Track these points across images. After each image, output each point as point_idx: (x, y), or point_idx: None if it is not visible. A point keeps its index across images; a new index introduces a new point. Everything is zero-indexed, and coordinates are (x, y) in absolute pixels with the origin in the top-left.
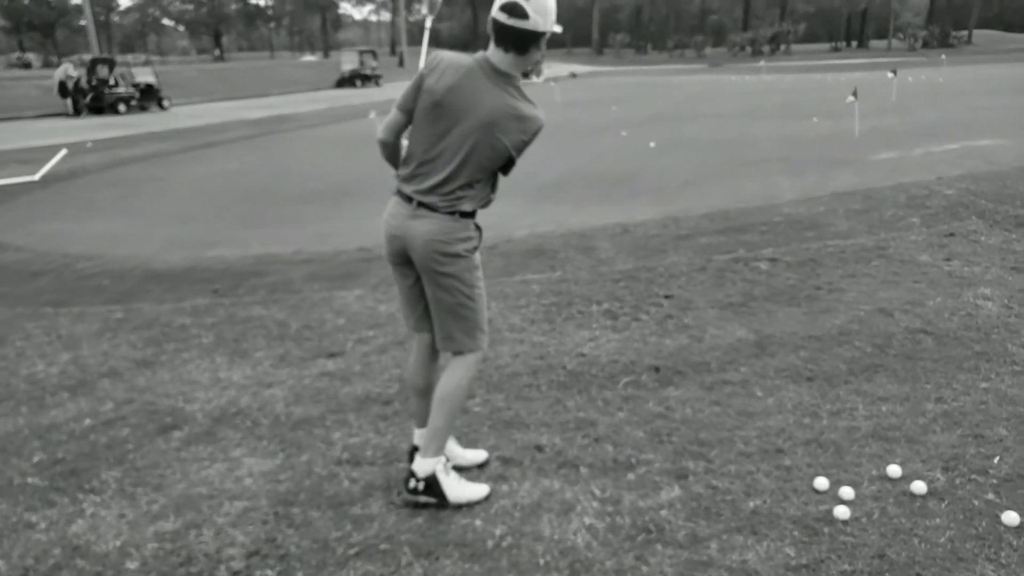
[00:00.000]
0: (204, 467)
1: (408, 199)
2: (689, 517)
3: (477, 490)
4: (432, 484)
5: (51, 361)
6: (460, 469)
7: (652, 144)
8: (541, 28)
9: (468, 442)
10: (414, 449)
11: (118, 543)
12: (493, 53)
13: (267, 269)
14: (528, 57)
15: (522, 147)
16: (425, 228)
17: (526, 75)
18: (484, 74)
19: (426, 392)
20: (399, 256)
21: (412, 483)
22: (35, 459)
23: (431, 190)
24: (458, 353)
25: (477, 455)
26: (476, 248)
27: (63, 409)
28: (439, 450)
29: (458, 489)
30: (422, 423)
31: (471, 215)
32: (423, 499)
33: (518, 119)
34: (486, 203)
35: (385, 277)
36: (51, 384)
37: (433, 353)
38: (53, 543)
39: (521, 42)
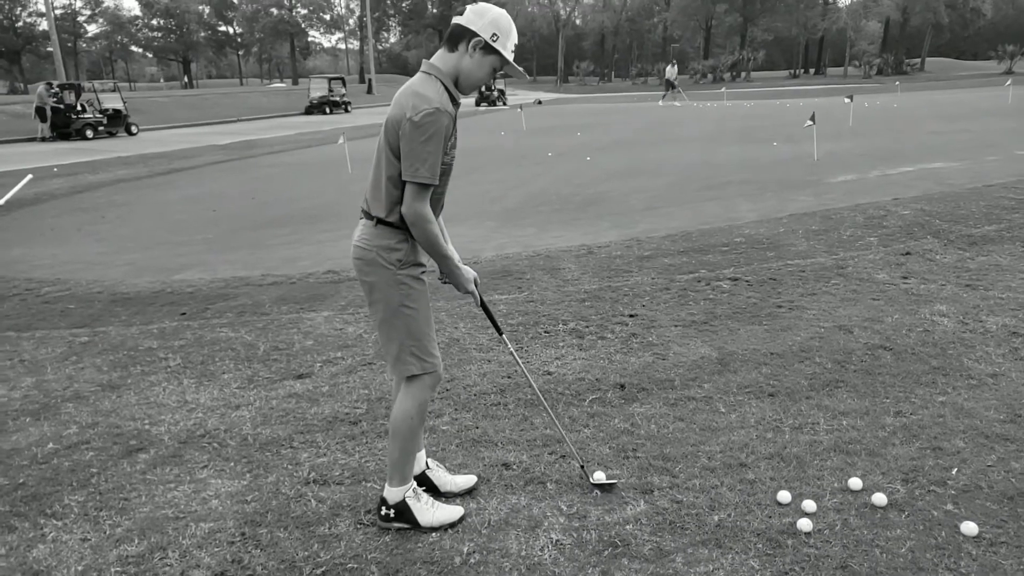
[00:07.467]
0: (170, 489)
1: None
2: (655, 531)
3: (450, 512)
4: (403, 511)
5: (13, 385)
6: (446, 494)
7: (588, 158)
8: (472, 27)
9: (438, 459)
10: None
11: (80, 567)
12: None
13: (235, 292)
14: (459, 57)
15: (401, 124)
16: (355, 233)
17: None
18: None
19: None
20: None
21: (383, 511)
22: None
23: (366, 198)
24: (408, 378)
25: (467, 480)
26: (402, 263)
27: (25, 433)
28: (403, 479)
29: (429, 513)
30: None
31: (391, 225)
32: (396, 525)
33: (411, 95)
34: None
35: (353, 299)
36: (13, 408)
37: None
38: (12, 569)
39: (451, 35)
